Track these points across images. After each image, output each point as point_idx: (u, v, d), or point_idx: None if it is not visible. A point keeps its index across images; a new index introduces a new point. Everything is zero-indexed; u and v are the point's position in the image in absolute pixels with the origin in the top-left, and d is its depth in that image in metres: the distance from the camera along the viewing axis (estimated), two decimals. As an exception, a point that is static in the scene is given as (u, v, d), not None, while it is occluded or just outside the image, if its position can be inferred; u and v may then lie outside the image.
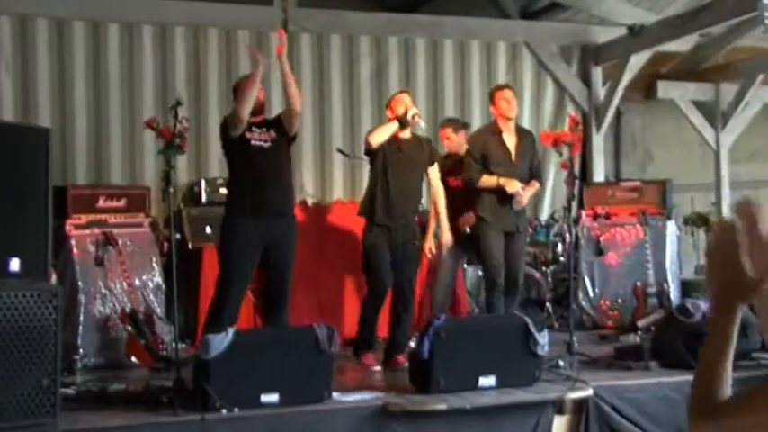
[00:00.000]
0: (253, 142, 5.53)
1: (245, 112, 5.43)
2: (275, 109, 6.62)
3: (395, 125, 5.89)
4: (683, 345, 5.48)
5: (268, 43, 8.37)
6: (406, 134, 5.98)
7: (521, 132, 6.39)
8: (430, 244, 6.13)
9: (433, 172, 6.11)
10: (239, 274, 5.48)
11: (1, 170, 4.20)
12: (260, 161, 5.52)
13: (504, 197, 6.19)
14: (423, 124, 6.08)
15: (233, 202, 5.60)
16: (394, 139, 5.89)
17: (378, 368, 5.88)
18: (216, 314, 5.40)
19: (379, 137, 5.87)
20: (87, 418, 4.52)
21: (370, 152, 5.95)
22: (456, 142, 6.84)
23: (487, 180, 6.20)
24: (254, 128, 5.57)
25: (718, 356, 1.64)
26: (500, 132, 6.23)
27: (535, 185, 6.46)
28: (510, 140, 6.24)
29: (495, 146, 6.21)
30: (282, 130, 5.64)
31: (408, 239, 5.92)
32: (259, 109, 5.62)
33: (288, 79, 5.57)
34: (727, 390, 1.64)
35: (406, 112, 5.89)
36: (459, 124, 7.12)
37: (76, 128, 7.81)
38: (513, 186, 6.17)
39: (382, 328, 6.56)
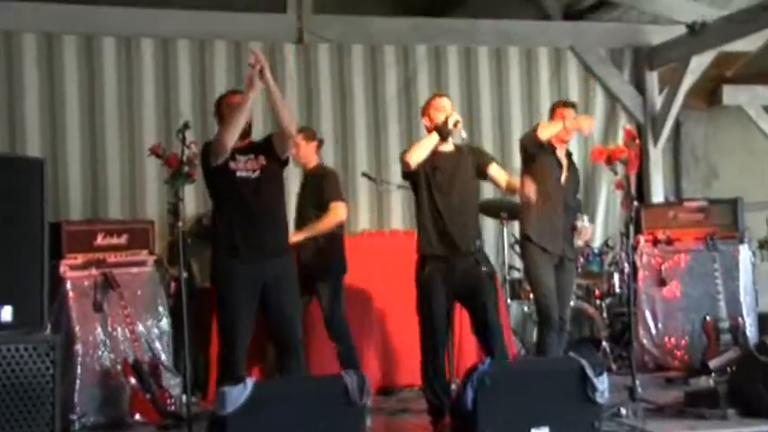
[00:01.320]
0: (238, 173, 5.37)
1: (231, 141, 5.26)
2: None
3: (434, 138, 5.61)
4: (765, 389, 5.41)
5: (283, 56, 8.47)
6: (447, 146, 5.72)
7: (570, 161, 6.33)
8: None
9: (495, 170, 5.89)
10: (239, 323, 5.37)
11: (-8, 207, 4.24)
12: (248, 194, 5.36)
13: (556, 219, 6.11)
14: (464, 134, 5.79)
15: (221, 243, 5.43)
16: (432, 154, 5.62)
17: None
18: (225, 369, 5.35)
19: (419, 154, 5.57)
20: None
21: (410, 174, 5.69)
22: (305, 152, 6.67)
23: (551, 127, 6.04)
24: (238, 155, 5.39)
25: None
26: (554, 149, 6.17)
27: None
28: (563, 161, 6.20)
29: (547, 157, 6.11)
30: (273, 154, 5.45)
31: (471, 267, 5.69)
32: (245, 131, 5.42)
33: (276, 100, 5.33)
34: None
35: (446, 120, 5.62)
36: (310, 134, 6.86)
37: (69, 156, 7.87)
38: (587, 123, 6.13)
39: (408, 374, 6.51)
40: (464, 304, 5.74)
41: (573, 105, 6.36)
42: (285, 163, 5.57)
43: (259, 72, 5.20)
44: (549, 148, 6.10)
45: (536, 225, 6.08)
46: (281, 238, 5.57)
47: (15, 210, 4.35)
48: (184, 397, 5.22)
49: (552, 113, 6.28)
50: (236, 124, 5.26)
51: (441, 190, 5.64)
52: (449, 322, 5.74)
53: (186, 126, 5.21)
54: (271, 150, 5.45)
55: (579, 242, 6.12)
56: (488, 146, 8.98)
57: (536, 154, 6.03)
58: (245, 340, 5.42)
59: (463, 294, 5.66)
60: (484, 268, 5.70)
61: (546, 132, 5.97)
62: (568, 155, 6.30)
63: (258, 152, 5.44)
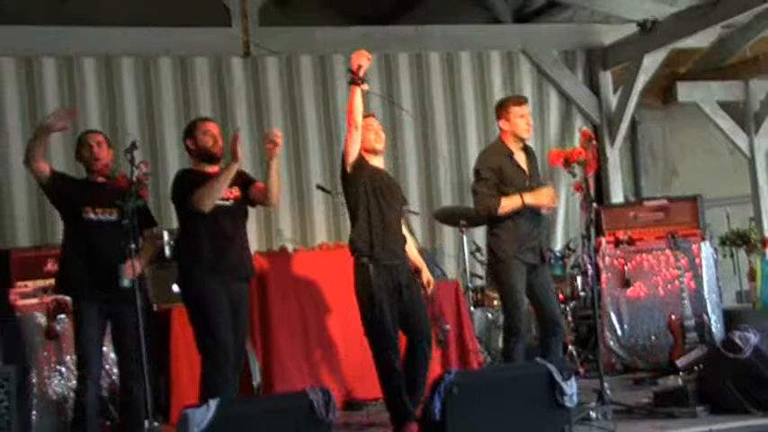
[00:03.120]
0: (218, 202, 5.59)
1: (211, 206, 5.49)
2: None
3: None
4: (734, 385, 5.50)
5: (230, 71, 8.50)
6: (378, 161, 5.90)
7: (526, 150, 6.36)
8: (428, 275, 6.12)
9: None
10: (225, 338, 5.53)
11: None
12: (223, 221, 5.59)
13: (530, 225, 6.13)
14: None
15: (201, 266, 5.58)
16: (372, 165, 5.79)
17: None
18: (213, 391, 5.35)
19: (354, 150, 5.69)
20: None
21: (349, 177, 5.76)
22: None
23: (510, 202, 6.04)
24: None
25: None
26: (512, 153, 6.19)
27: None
28: (522, 160, 6.21)
29: (509, 167, 6.13)
30: (246, 196, 5.76)
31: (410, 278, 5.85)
32: (218, 157, 5.70)
33: (273, 176, 5.64)
34: None
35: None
36: None
37: (14, 181, 7.82)
38: (546, 197, 6.13)
39: (373, 388, 6.54)
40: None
41: (525, 101, 6.33)
42: (253, 206, 5.89)
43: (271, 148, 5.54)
44: (507, 155, 6.15)
45: (513, 241, 6.06)
46: (250, 263, 5.84)
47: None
48: (147, 422, 5.20)
49: (504, 111, 6.19)
50: (219, 191, 5.50)
51: (382, 196, 5.78)
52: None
53: (134, 146, 5.24)
54: (246, 192, 5.74)
55: (544, 211, 6.14)
56: (443, 155, 9.11)
57: (498, 179, 6.09)
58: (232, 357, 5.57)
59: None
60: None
61: (506, 208, 6.03)
62: (524, 148, 6.31)
63: (236, 183, 5.67)
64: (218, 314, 5.50)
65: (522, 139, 6.19)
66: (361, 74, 5.57)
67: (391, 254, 5.69)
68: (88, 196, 5.53)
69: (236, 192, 5.68)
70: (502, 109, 6.21)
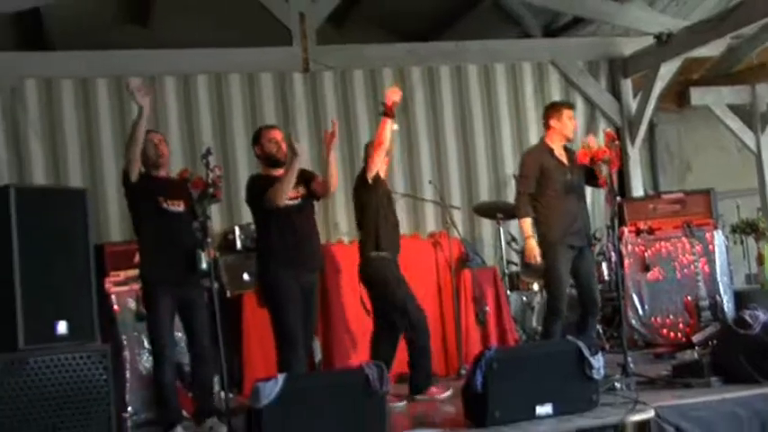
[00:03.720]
0: (287, 202, 5.67)
1: (284, 200, 5.61)
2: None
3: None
4: (745, 359, 5.45)
5: (292, 85, 8.55)
6: None
7: (566, 149, 6.43)
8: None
9: None
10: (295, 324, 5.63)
11: (44, 234, 4.32)
12: (294, 218, 5.68)
13: (574, 214, 6.19)
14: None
15: (276, 258, 5.67)
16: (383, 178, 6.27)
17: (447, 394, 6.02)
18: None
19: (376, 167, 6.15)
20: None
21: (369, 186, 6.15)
22: None
23: (526, 227, 6.27)
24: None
25: None
26: (552, 150, 6.29)
27: None
28: (563, 157, 6.29)
29: (551, 163, 6.24)
30: (311, 192, 5.85)
31: None
32: (282, 162, 5.75)
33: (333, 170, 5.79)
34: None
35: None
36: None
37: (107, 184, 7.95)
38: (530, 254, 6.24)
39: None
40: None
41: (573, 107, 6.60)
42: (317, 200, 5.98)
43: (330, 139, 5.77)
44: (548, 152, 6.21)
45: (558, 227, 6.16)
46: (319, 255, 5.95)
47: (64, 235, 4.43)
48: (223, 393, 5.26)
49: (557, 112, 6.34)
50: (288, 186, 5.59)
51: (390, 202, 6.41)
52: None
53: (209, 152, 5.29)
54: (309, 188, 5.83)
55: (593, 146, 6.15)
56: (481, 156, 9.10)
57: (540, 175, 6.22)
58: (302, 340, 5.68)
59: None
60: None
61: (522, 226, 6.34)
62: (566, 149, 6.37)
63: (300, 183, 5.75)
64: (289, 303, 5.58)
65: (567, 139, 6.31)
66: (394, 109, 5.97)
67: (396, 250, 6.11)
68: (162, 189, 5.55)
69: (301, 190, 5.75)
70: (554, 111, 6.38)
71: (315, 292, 5.84)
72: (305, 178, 5.83)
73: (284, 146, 5.76)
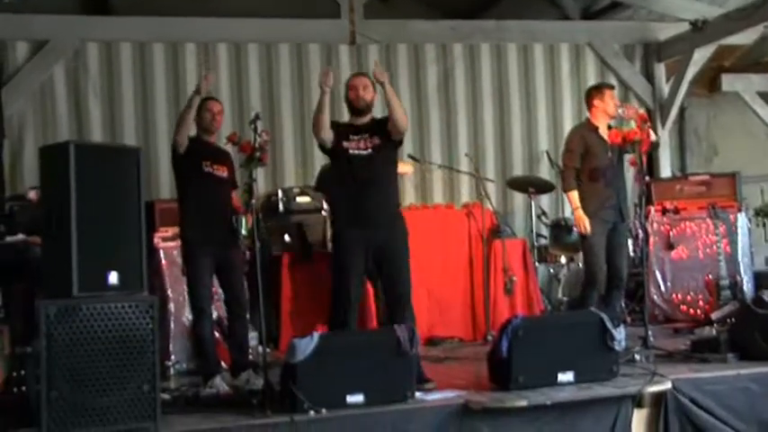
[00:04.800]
0: (351, 151, 5.29)
1: (325, 131, 5.27)
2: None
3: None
4: (761, 336, 5.40)
5: (338, 56, 8.51)
6: None
7: (609, 128, 6.39)
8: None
9: None
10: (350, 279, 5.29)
11: (99, 189, 4.35)
12: (359, 170, 5.24)
13: (611, 190, 6.13)
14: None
15: (339, 214, 5.46)
16: None
17: None
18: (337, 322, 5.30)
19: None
20: (183, 420, 4.62)
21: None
22: None
23: (573, 199, 6.19)
24: (351, 135, 5.32)
25: None
26: (596, 128, 6.25)
27: None
28: (606, 134, 6.25)
29: (594, 140, 6.21)
30: (387, 136, 5.33)
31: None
32: (365, 109, 5.36)
33: (391, 100, 5.25)
34: None
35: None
36: None
37: (159, 145, 8.02)
38: (580, 224, 6.14)
39: (450, 327, 6.54)
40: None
41: (614, 88, 6.56)
42: (399, 143, 5.46)
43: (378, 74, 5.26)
44: (592, 130, 6.22)
45: (596, 201, 6.13)
46: (391, 207, 5.37)
47: (118, 191, 4.46)
48: (260, 348, 5.29)
49: (600, 93, 6.29)
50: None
51: None
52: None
53: (257, 117, 5.24)
54: (384, 131, 5.33)
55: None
56: (516, 132, 9.03)
57: (584, 151, 6.17)
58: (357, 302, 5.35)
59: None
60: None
61: (569, 197, 6.24)
62: (609, 127, 6.33)
63: (372, 132, 5.32)
64: (347, 256, 5.25)
65: (610, 117, 6.28)
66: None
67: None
68: (208, 153, 5.55)
69: (375, 140, 5.30)
70: (597, 91, 6.36)
71: (397, 247, 5.26)
72: (379, 125, 5.36)
73: (361, 92, 5.37)
